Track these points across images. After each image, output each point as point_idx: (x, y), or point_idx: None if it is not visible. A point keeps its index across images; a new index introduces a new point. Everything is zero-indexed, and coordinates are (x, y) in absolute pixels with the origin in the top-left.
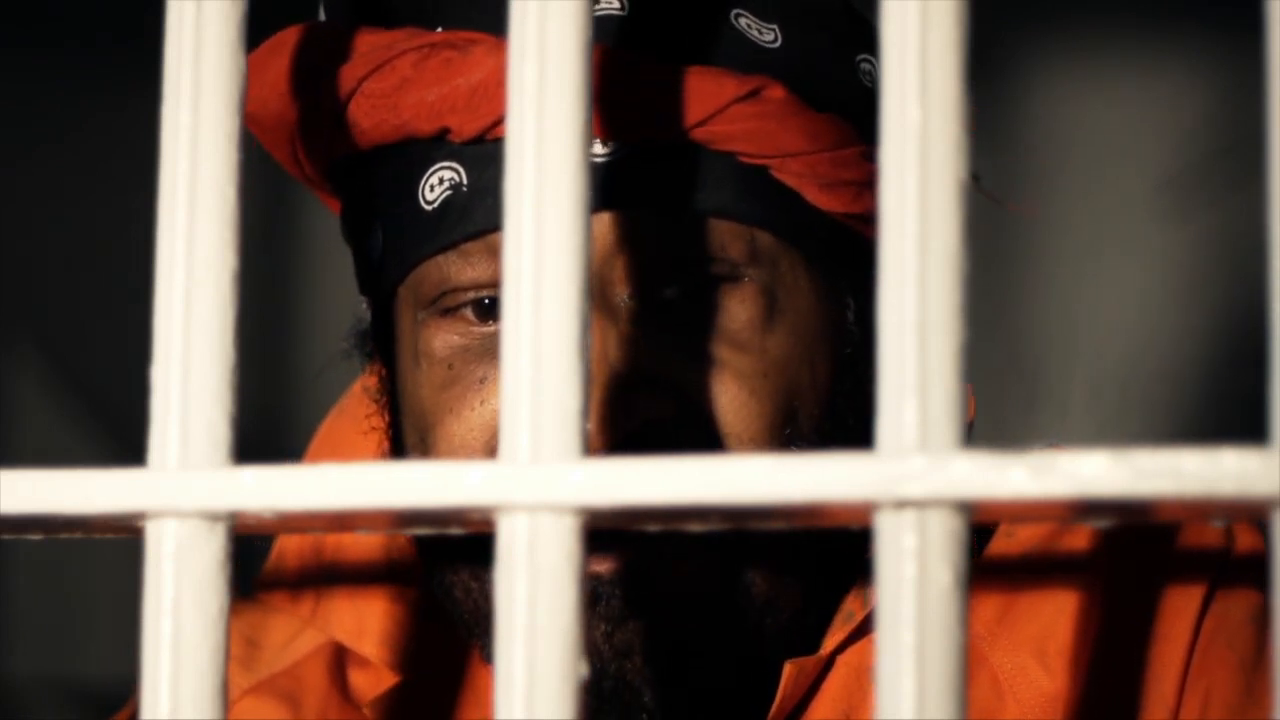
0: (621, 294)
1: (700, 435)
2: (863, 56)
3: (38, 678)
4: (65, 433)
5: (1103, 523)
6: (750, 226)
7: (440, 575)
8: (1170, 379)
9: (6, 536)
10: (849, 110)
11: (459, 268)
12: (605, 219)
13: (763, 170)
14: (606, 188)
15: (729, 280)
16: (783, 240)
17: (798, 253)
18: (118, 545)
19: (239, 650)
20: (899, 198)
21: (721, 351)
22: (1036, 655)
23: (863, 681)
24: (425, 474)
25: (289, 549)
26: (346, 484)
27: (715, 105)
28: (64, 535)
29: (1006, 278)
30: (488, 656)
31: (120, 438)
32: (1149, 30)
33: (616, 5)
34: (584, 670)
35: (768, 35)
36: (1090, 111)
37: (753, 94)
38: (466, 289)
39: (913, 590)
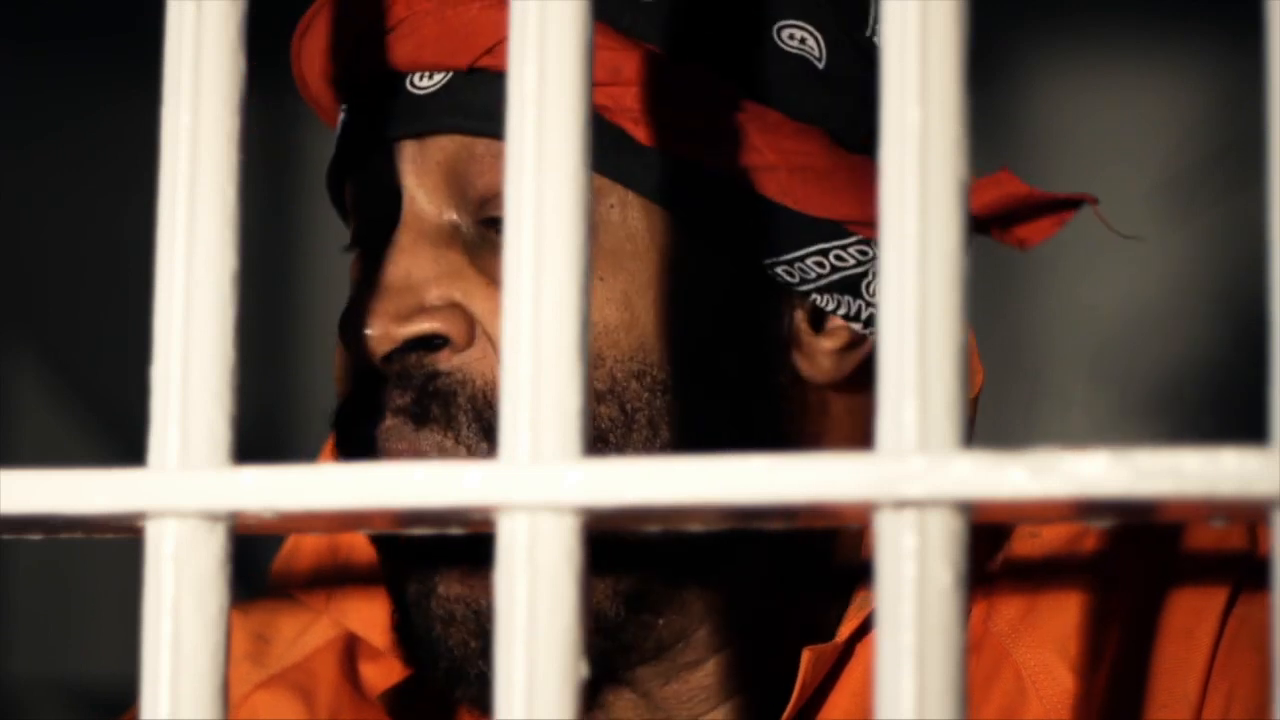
0: (435, 216)
1: (487, 359)
2: (790, 24)
3: (38, 678)
4: (65, 433)
5: (1103, 523)
6: None
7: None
8: (1170, 379)
9: (6, 536)
10: (730, 66)
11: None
12: (409, 145)
13: None
14: (416, 115)
15: None
16: (604, 176)
17: (629, 193)
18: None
19: (250, 646)
20: (899, 198)
21: None
22: (1060, 653)
23: None
24: (425, 474)
25: (303, 545)
26: (346, 484)
27: (501, 33)
28: (64, 535)
29: (1006, 278)
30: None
31: (120, 438)
32: (1149, 30)
33: None
34: (584, 670)
35: None
36: (1090, 111)
37: None
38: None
39: (913, 590)
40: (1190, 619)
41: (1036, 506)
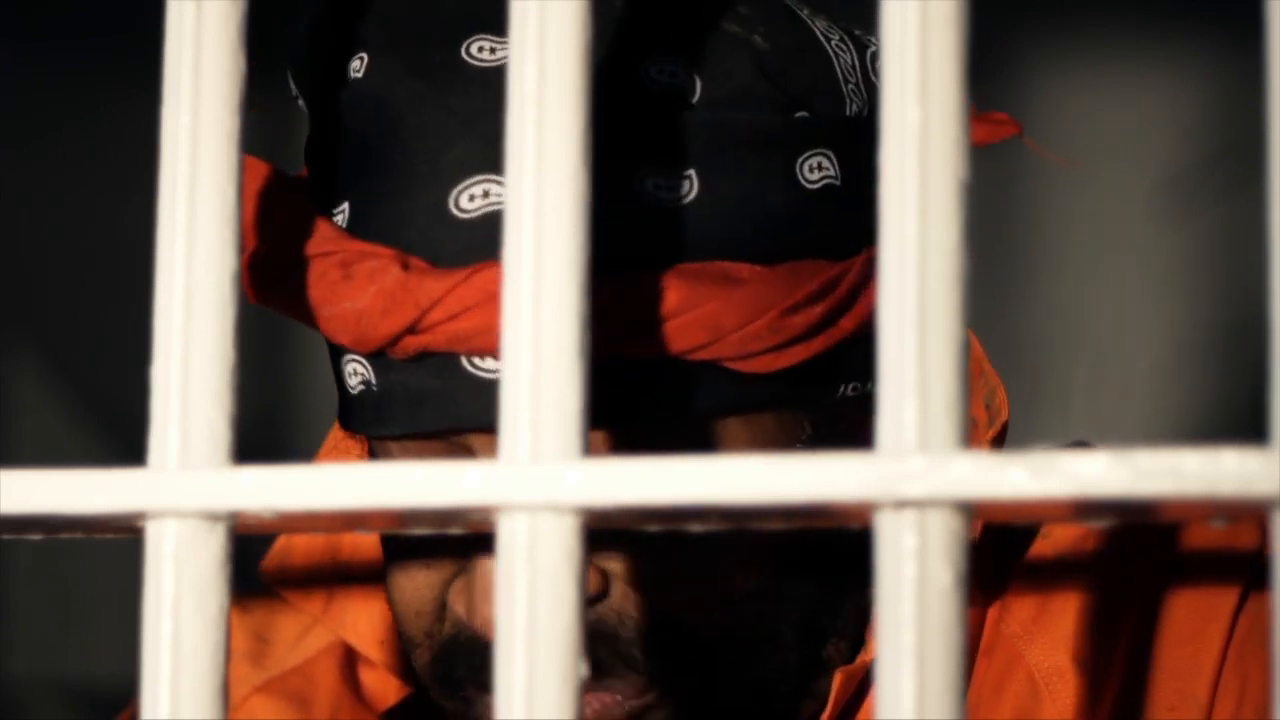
0: None
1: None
2: (809, 155)
3: (38, 678)
4: (65, 433)
5: (1103, 522)
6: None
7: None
8: (1170, 379)
9: (6, 536)
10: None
11: (387, 452)
12: (478, 440)
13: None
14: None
15: None
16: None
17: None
18: (118, 545)
19: (249, 646)
20: (899, 198)
21: None
22: (1072, 655)
23: None
24: (425, 474)
25: (296, 544)
26: (346, 484)
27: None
28: (64, 535)
29: (1006, 277)
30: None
31: (120, 438)
32: (1149, 30)
33: None
34: (584, 670)
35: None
36: (1091, 111)
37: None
38: None
39: (913, 590)
40: (1201, 618)
41: (1036, 506)
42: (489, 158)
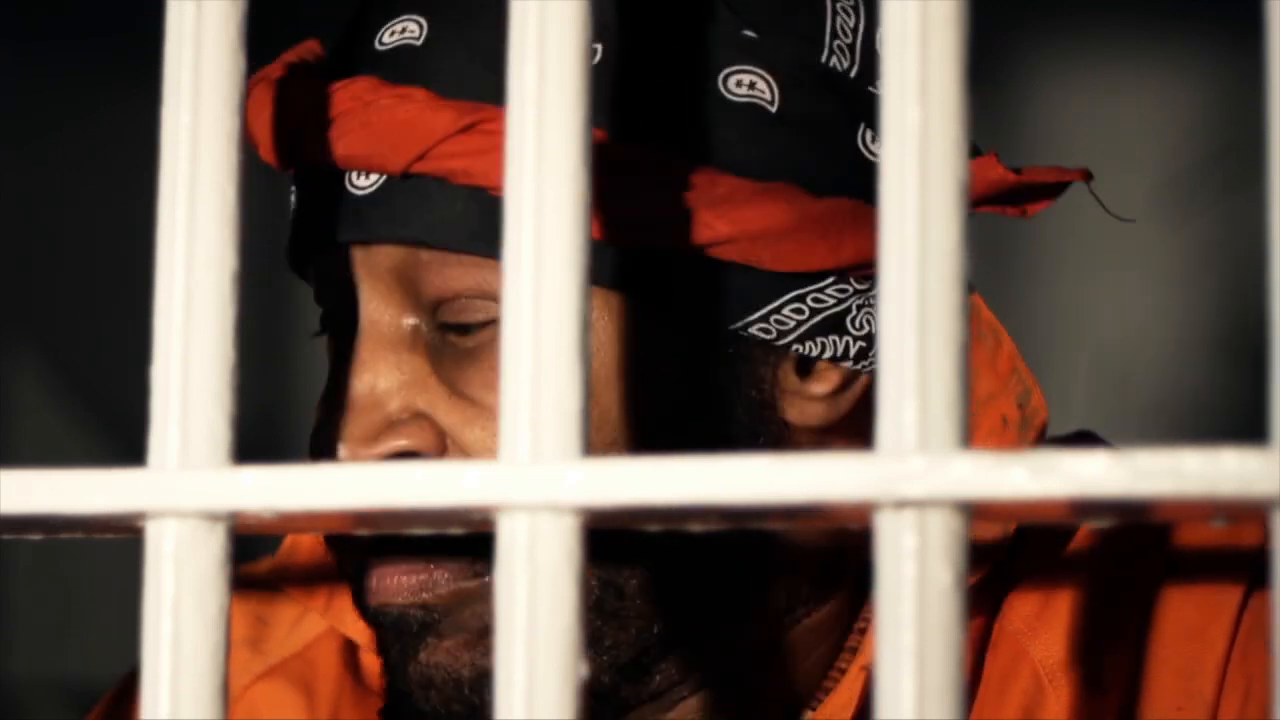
0: (391, 321)
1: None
2: (737, 70)
3: (38, 678)
4: (65, 433)
5: (1103, 522)
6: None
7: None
8: (1170, 379)
9: (6, 536)
10: (673, 133)
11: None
12: (356, 249)
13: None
14: (357, 220)
15: (494, 318)
16: None
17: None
18: (118, 545)
19: (249, 629)
20: (899, 198)
21: (484, 392)
22: (1077, 650)
23: None
24: (425, 474)
25: (301, 543)
26: (346, 484)
27: (430, 140)
28: (64, 535)
29: (1006, 278)
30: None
31: (120, 438)
32: (1149, 30)
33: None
34: (584, 670)
35: None
36: (1090, 111)
37: (468, 128)
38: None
39: (913, 590)
40: (1205, 616)
41: (1036, 506)
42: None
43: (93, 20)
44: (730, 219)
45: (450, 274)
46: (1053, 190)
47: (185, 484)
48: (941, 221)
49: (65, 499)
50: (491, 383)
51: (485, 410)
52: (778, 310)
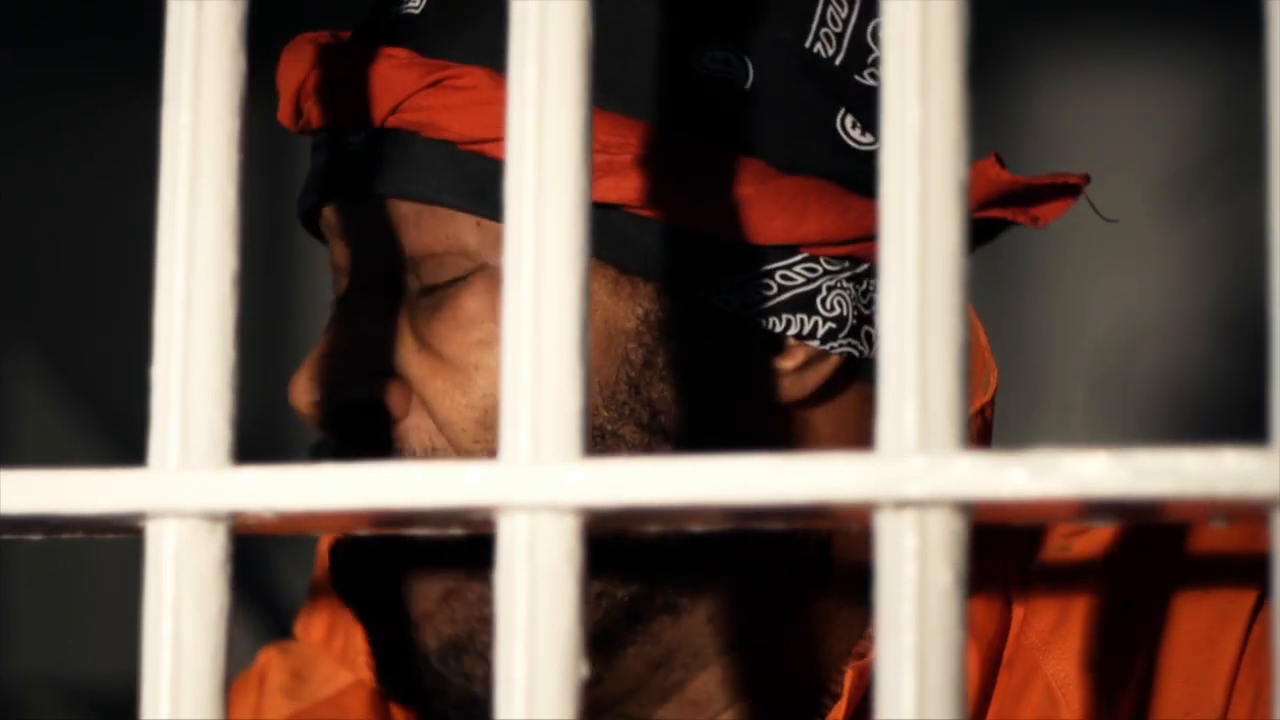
0: (371, 277)
1: (422, 428)
2: (713, 46)
3: (38, 678)
4: (65, 433)
5: (1103, 523)
6: (473, 215)
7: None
8: (1170, 379)
9: (6, 536)
10: (643, 99)
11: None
12: (346, 204)
13: (482, 157)
14: (346, 175)
15: (467, 273)
16: None
17: None
18: (118, 545)
19: (285, 682)
20: (899, 198)
21: (447, 345)
22: (1089, 664)
23: None
24: (425, 474)
25: (321, 582)
26: (346, 484)
27: (403, 94)
28: (64, 535)
29: (1006, 278)
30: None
31: (120, 438)
32: (1149, 30)
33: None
34: (584, 670)
35: None
36: (1090, 112)
37: (436, 83)
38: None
39: (913, 590)
40: (1216, 625)
41: (1037, 506)
42: None
43: (93, 21)
44: (694, 185)
45: (426, 229)
46: (1061, 192)
47: (185, 484)
48: (941, 221)
49: (65, 499)
50: (453, 334)
51: (447, 363)
52: (743, 284)
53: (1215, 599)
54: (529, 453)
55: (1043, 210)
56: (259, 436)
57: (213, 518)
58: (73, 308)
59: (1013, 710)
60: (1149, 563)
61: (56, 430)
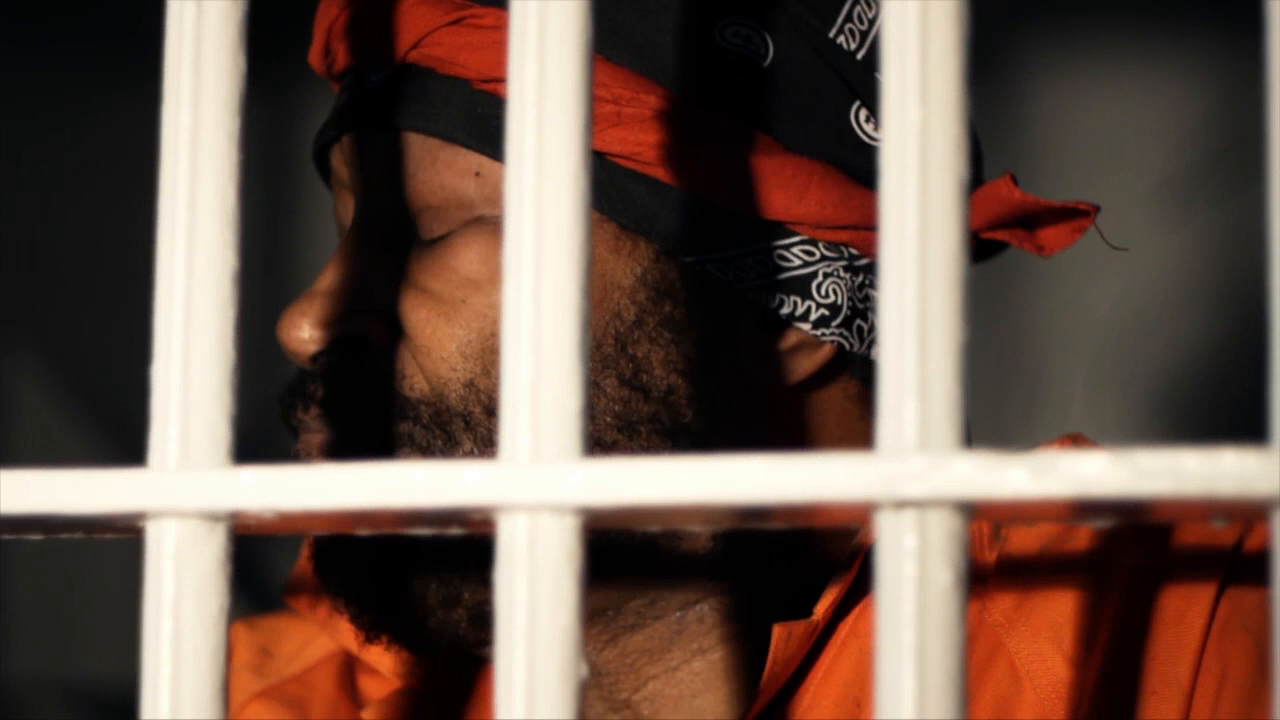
0: (376, 216)
1: (401, 361)
2: (735, 22)
3: (38, 678)
4: (65, 433)
5: (1103, 523)
6: (481, 155)
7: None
8: (1170, 379)
9: (6, 536)
10: (657, 64)
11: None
12: (358, 142)
13: (495, 98)
14: (362, 111)
15: (463, 224)
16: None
17: None
18: (118, 545)
19: (252, 659)
20: (899, 198)
21: (435, 281)
22: (1053, 642)
23: None
24: (425, 474)
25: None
26: (346, 484)
27: (424, 30)
28: (64, 535)
29: (1007, 278)
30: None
31: (120, 438)
32: (1149, 30)
33: None
34: (584, 670)
35: None
36: (1090, 111)
37: (457, 21)
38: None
39: (913, 590)
40: (1181, 605)
41: (1036, 506)
42: None
43: (94, 21)
44: (703, 152)
45: (431, 174)
46: (1070, 217)
47: (185, 484)
48: (941, 221)
49: (65, 499)
50: (442, 271)
51: (434, 296)
52: (740, 257)
53: (1180, 579)
54: (529, 452)
55: (1049, 239)
56: (259, 436)
57: (213, 518)
58: (73, 308)
59: (974, 688)
60: (1113, 544)
61: (56, 430)
